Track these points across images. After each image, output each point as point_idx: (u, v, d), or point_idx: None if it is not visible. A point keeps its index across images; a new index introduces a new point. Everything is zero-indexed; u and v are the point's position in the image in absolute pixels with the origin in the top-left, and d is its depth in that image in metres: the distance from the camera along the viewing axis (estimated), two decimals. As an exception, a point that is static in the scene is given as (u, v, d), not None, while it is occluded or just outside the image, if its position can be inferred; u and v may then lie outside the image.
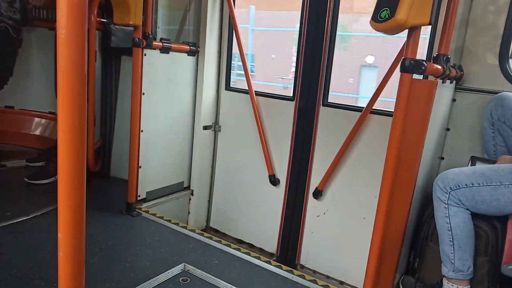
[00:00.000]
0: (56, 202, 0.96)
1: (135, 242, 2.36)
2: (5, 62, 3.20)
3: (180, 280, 1.99)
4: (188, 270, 2.08)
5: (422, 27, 1.61)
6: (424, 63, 1.60)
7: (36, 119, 3.88)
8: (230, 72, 3.30)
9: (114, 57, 3.22)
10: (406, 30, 1.55)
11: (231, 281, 2.01)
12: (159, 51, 2.85)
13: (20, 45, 3.29)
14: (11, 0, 2.90)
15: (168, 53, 2.91)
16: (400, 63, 1.63)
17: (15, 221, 2.39)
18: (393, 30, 1.55)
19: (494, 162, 1.90)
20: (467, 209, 1.76)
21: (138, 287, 1.89)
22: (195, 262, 2.15)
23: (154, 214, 2.72)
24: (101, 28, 3.00)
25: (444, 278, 1.84)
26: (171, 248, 2.31)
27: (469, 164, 2.03)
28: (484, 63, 2.28)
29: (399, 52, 2.45)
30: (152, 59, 2.79)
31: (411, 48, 1.60)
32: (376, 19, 1.49)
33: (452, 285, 1.80)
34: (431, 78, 1.93)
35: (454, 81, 2.28)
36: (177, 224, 2.61)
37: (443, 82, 1.97)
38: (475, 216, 1.79)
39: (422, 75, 1.92)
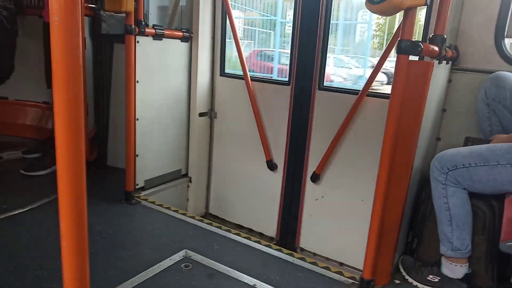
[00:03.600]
0: (53, 193, 0.97)
1: (135, 230, 2.37)
2: (4, 56, 3.16)
3: (182, 266, 2.01)
4: (190, 256, 2.10)
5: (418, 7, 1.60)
6: (421, 44, 1.60)
7: (31, 109, 3.85)
8: (224, 57, 3.27)
9: (106, 44, 3.17)
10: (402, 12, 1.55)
11: (232, 266, 2.03)
12: (152, 38, 2.81)
13: (16, 36, 3.24)
14: None
15: (161, 39, 2.88)
16: (396, 44, 1.62)
17: (12, 213, 2.38)
18: (389, 11, 1.54)
19: (488, 142, 1.91)
20: (465, 188, 1.78)
21: (141, 274, 1.90)
22: (196, 248, 2.17)
23: (153, 202, 2.72)
24: (91, 14, 2.94)
25: (442, 257, 1.87)
26: (172, 235, 2.32)
27: (463, 145, 2.05)
28: (479, 43, 2.27)
29: (394, 34, 2.44)
30: (145, 46, 2.75)
31: (407, 29, 1.60)
32: (372, 0, 1.48)
33: (451, 263, 1.84)
34: (427, 59, 1.93)
35: (450, 62, 2.28)
36: (176, 211, 2.62)
37: (439, 63, 1.97)
38: (472, 195, 1.81)
39: (418, 57, 1.91)
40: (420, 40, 1.82)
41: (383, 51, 2.51)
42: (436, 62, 1.86)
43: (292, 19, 2.84)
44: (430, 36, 1.85)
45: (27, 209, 2.45)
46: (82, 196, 0.98)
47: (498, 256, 1.86)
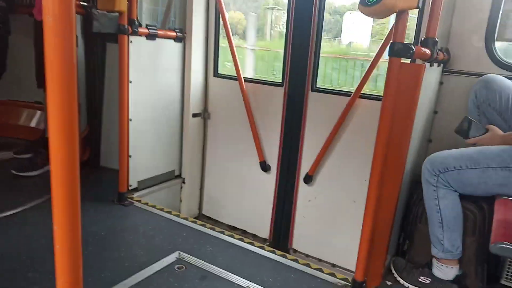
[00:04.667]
0: (45, 194, 0.96)
1: (128, 231, 2.36)
2: None
3: (175, 268, 2.01)
4: (183, 258, 2.10)
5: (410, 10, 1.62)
6: (413, 47, 1.61)
7: (22, 109, 3.81)
8: (218, 58, 3.27)
9: (98, 43, 3.15)
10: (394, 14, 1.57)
11: (226, 267, 2.03)
12: (145, 38, 2.81)
13: (9, 35, 3.20)
14: None
15: (154, 39, 2.87)
16: (388, 47, 1.64)
17: (4, 215, 2.36)
18: (382, 14, 1.56)
19: (484, 128, 1.90)
20: (455, 190, 1.80)
21: (133, 276, 1.90)
22: (189, 250, 2.17)
23: (147, 203, 2.72)
24: (82, 12, 2.91)
25: (433, 259, 1.89)
26: (165, 236, 2.31)
27: (460, 123, 1.98)
28: (470, 46, 2.30)
29: (386, 36, 2.46)
30: (138, 46, 2.74)
31: (400, 32, 1.61)
32: (365, 3, 1.49)
33: (442, 265, 1.86)
34: (418, 61, 1.95)
35: (442, 64, 2.31)
36: (169, 212, 2.61)
37: (430, 66, 1.99)
38: (462, 197, 1.83)
39: (410, 59, 1.93)
40: (412, 42, 1.84)
41: (375, 53, 2.53)
42: (427, 64, 1.88)
43: (285, 21, 2.84)
44: (422, 38, 1.87)
45: (19, 210, 2.43)
46: (75, 198, 0.98)
47: (488, 257, 1.88)
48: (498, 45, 2.28)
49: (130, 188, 2.84)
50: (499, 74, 2.07)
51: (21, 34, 3.35)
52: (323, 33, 2.77)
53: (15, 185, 2.86)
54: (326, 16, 2.75)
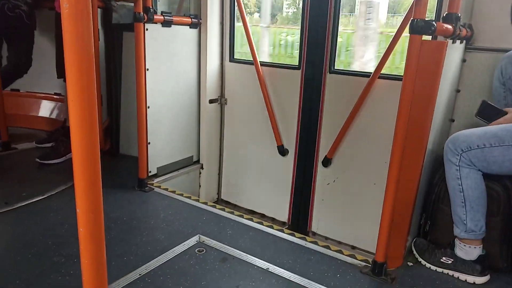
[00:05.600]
0: (69, 180, 0.98)
1: (149, 216, 2.40)
2: (23, 51, 3.19)
3: (196, 251, 2.04)
4: (203, 241, 2.13)
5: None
6: (434, 23, 1.56)
7: (43, 101, 3.89)
8: (233, 43, 3.25)
9: (115, 34, 3.17)
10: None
11: (246, 250, 2.05)
12: (160, 25, 2.81)
13: (34, 30, 3.25)
14: None
15: (170, 26, 2.87)
16: (409, 24, 1.59)
17: (31, 201, 2.43)
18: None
19: (502, 110, 1.85)
20: (479, 170, 1.76)
21: (156, 259, 1.93)
22: (209, 233, 2.19)
23: (166, 189, 2.75)
24: (102, 5, 2.95)
25: (456, 239, 1.86)
26: (185, 221, 2.35)
27: (479, 107, 1.93)
28: (495, 21, 2.21)
29: (407, 13, 2.39)
30: (154, 34, 2.75)
31: (420, 8, 1.56)
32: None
33: (465, 245, 1.83)
34: (440, 38, 1.89)
35: (464, 41, 2.23)
36: (189, 197, 2.64)
37: (453, 43, 1.93)
38: (486, 176, 1.79)
39: (432, 36, 1.87)
40: (433, 19, 1.78)
41: (396, 31, 2.47)
42: (450, 41, 1.82)
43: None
44: (444, 14, 1.81)
45: (45, 196, 2.50)
46: (97, 182, 1.00)
47: (513, 237, 1.84)
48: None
49: (149, 174, 2.89)
50: (525, 50, 1.99)
51: (40, 27, 3.41)
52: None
53: (40, 173, 2.94)
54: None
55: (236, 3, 3.08)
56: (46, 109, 3.91)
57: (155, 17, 2.67)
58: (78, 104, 0.92)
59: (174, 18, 2.86)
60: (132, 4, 2.58)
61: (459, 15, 1.80)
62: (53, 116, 3.88)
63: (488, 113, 1.85)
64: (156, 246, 2.05)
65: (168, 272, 1.85)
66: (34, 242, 2.03)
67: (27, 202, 2.42)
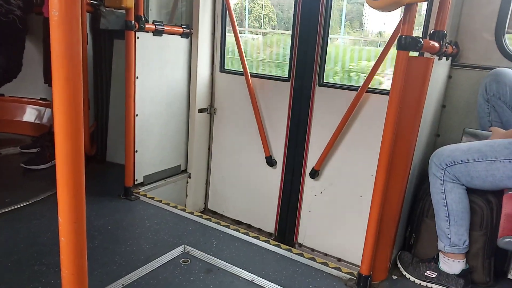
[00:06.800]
0: (54, 187, 0.96)
1: (134, 225, 2.38)
2: (14, 55, 3.15)
3: (180, 261, 2.02)
4: (188, 252, 2.11)
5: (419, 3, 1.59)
6: (421, 40, 1.59)
7: (28, 106, 3.84)
8: (224, 53, 3.26)
9: (105, 40, 3.17)
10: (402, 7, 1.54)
11: (231, 261, 2.03)
12: (152, 34, 2.81)
13: (26, 35, 3.22)
14: None
15: (161, 35, 2.87)
16: (396, 40, 1.62)
17: (15, 207, 2.39)
18: (390, 7, 1.53)
19: (486, 136, 1.91)
20: (463, 184, 1.78)
21: (139, 269, 1.91)
22: (194, 244, 2.17)
23: (152, 198, 2.73)
24: (91, 10, 2.94)
25: (440, 253, 1.88)
26: (171, 230, 2.32)
27: (462, 137, 2.05)
28: (480, 39, 2.27)
29: (395, 30, 2.43)
30: (145, 42, 2.74)
31: (408, 25, 1.59)
32: (372, -5, 1.47)
33: (448, 259, 1.84)
34: (427, 55, 1.93)
35: (450, 58, 2.28)
36: (175, 207, 2.62)
37: (439, 59, 1.97)
38: (469, 191, 1.81)
39: (419, 52, 1.91)
40: (420, 36, 1.81)
41: (383, 47, 2.51)
42: (436, 58, 1.86)
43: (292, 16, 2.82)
44: (431, 32, 1.85)
45: (29, 202, 2.45)
46: (80, 191, 0.98)
47: (495, 251, 1.87)
48: (508, 38, 2.24)
49: (136, 182, 2.86)
50: (509, 68, 2.04)
51: (28, 33, 3.37)
52: (345, 24, 2.74)
53: (24, 178, 2.89)
54: (347, 6, 2.71)
55: (228, 14, 3.10)
56: (31, 114, 3.85)
57: (146, 25, 2.67)
58: (64, 112, 0.91)
59: (166, 27, 2.87)
60: (121, 11, 2.58)
61: (446, 32, 1.84)
62: (38, 121, 3.82)
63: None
64: (140, 256, 2.02)
65: (152, 283, 1.82)
66: (15, 250, 1.99)
67: (10, 208, 2.37)
